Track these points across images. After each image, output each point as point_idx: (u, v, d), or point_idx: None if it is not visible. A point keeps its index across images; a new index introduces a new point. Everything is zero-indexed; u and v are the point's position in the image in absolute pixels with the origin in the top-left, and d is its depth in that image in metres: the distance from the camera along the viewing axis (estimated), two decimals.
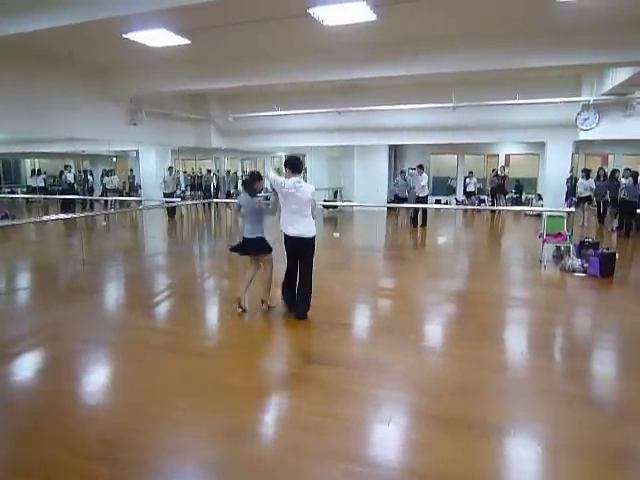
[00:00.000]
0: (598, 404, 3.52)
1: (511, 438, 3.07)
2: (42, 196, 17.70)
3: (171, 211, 14.81)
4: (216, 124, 13.42)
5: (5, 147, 17.72)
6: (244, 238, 5.43)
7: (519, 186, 19.23)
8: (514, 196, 18.64)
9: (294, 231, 5.14)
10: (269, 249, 5.47)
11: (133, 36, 6.27)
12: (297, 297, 5.30)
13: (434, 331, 5.27)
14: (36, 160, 21.66)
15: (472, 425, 3.18)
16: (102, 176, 18.26)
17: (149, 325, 5.36)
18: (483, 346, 4.56)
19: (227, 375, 3.96)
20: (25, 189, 20.92)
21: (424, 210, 12.77)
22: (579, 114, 10.43)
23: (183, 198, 15.61)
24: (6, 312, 5.94)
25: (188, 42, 6.58)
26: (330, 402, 3.52)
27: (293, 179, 5.17)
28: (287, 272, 5.43)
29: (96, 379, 4.01)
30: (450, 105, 9.90)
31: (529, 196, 18.89)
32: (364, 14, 5.48)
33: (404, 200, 12.67)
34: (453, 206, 18.56)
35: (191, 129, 13.27)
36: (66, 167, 18.96)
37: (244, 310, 5.45)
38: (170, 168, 14.54)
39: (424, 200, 12.51)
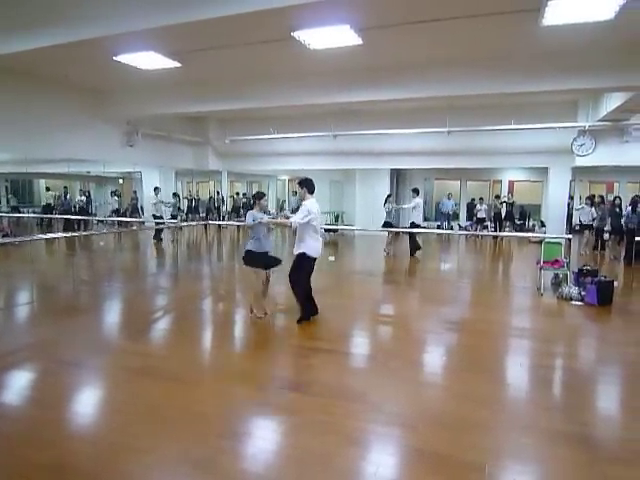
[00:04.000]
0: (584, 442, 3.32)
1: (486, 476, 2.89)
2: (41, 215, 17.85)
3: (157, 234, 14.54)
4: (214, 146, 13.51)
5: (14, 167, 17.92)
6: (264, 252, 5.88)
7: (523, 212, 19.14)
8: (517, 222, 18.50)
9: (319, 253, 5.68)
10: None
11: (124, 58, 6.33)
12: (312, 301, 5.92)
13: (420, 360, 5.06)
14: (42, 180, 21.86)
15: (448, 461, 3.01)
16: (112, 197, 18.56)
17: (129, 347, 5.24)
18: (472, 378, 4.39)
19: (198, 402, 3.82)
20: (40, 208, 21.09)
21: (411, 236, 12.36)
22: (575, 140, 10.37)
23: (183, 220, 15.55)
24: None
25: (178, 65, 6.63)
26: (300, 433, 3.37)
27: (311, 201, 5.57)
28: (300, 286, 5.72)
29: (60, 402, 3.87)
30: (444, 130, 9.88)
31: (534, 223, 18.78)
32: (349, 38, 5.49)
33: (390, 225, 12.46)
34: (454, 231, 18.39)
35: (189, 151, 13.34)
36: (64, 188, 19.16)
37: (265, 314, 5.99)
38: (156, 189, 14.37)
39: (412, 225, 12.08)
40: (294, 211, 6.09)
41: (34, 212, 19.58)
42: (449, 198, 19.59)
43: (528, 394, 4.16)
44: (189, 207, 17.19)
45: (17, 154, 12.08)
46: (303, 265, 5.64)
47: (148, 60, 6.52)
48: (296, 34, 5.27)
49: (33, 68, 7.61)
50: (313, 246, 5.60)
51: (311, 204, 5.53)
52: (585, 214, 12.60)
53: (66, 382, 4.26)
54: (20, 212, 19.50)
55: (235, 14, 4.48)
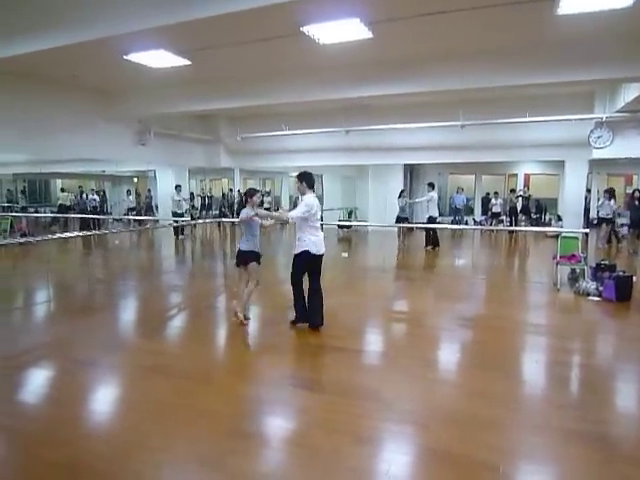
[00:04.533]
0: (600, 441, 3.24)
1: (500, 476, 2.84)
2: (56, 215, 18.13)
3: (177, 231, 14.81)
4: (225, 144, 13.51)
5: (31, 167, 18.23)
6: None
7: (540, 206, 18.87)
8: (533, 216, 18.23)
9: (322, 249, 5.37)
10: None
11: (134, 57, 6.35)
12: (311, 308, 5.42)
13: (433, 357, 5.00)
14: (58, 180, 22.20)
15: (461, 460, 2.96)
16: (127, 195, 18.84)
17: (142, 345, 5.28)
18: (486, 375, 4.32)
19: (209, 401, 3.82)
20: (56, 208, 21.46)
21: (429, 231, 12.40)
22: (592, 132, 10.15)
23: (194, 217, 15.65)
24: (7, 328, 5.95)
25: (188, 63, 6.63)
26: (311, 432, 3.36)
27: (311, 195, 5.28)
28: (299, 287, 5.45)
29: (75, 401, 3.91)
30: (458, 123, 9.75)
31: (550, 217, 18.50)
32: (359, 32, 5.42)
33: (404, 220, 12.38)
34: (466, 226, 18.12)
35: (200, 149, 13.34)
36: (79, 188, 19.48)
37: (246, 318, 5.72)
38: (177, 187, 14.56)
39: (430, 220, 12.13)
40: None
41: (51, 212, 19.91)
42: (459, 192, 19.38)
43: (543, 392, 4.08)
44: (202, 204, 17.32)
45: (29, 155, 12.32)
46: (301, 264, 5.37)
47: (158, 59, 6.53)
48: (305, 29, 5.22)
49: (41, 69, 7.67)
50: (314, 242, 5.30)
51: (310, 199, 5.24)
52: (605, 208, 12.34)
53: (80, 380, 4.30)
54: (33, 211, 19.80)
55: (243, 10, 4.45)
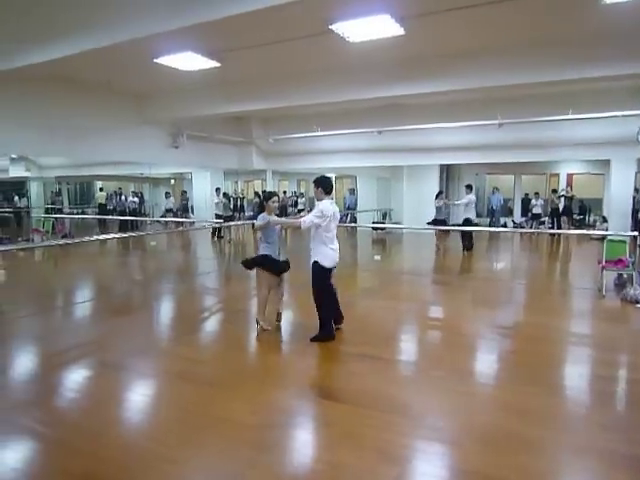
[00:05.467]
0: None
1: None
2: (94, 216, 18.67)
3: (216, 233, 15.09)
4: (258, 146, 13.50)
5: (74, 170, 18.80)
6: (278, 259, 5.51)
7: (583, 207, 18.12)
8: (577, 218, 17.50)
9: (336, 261, 5.19)
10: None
11: (164, 60, 6.37)
12: (338, 312, 5.42)
13: (468, 369, 4.70)
14: (98, 182, 22.81)
15: None
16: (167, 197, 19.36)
17: (172, 350, 5.24)
18: (524, 389, 4.06)
19: (232, 410, 3.73)
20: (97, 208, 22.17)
21: (465, 233, 12.06)
22: None
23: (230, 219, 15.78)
24: (38, 328, 6.08)
25: (217, 65, 6.59)
26: (335, 447, 3.20)
27: (328, 201, 5.06)
28: (331, 298, 5.29)
29: (96, 408, 3.87)
30: (495, 122, 9.36)
31: (595, 218, 17.69)
32: (390, 28, 5.22)
33: (442, 222, 12.11)
34: (506, 229, 17.52)
35: (233, 151, 13.38)
36: (119, 190, 19.99)
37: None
38: (217, 189, 14.77)
39: (466, 222, 11.77)
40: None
41: (94, 213, 20.53)
42: (494, 192, 18.81)
43: (587, 409, 3.79)
44: (234, 206, 17.51)
45: (64, 158, 12.68)
46: (320, 276, 5.09)
47: (187, 61, 6.52)
48: (334, 27, 5.06)
49: (80, 75, 7.82)
50: (327, 254, 5.04)
51: (326, 205, 4.97)
52: None
53: (104, 386, 4.27)
54: (76, 213, 20.39)
55: (270, 5, 4.32)
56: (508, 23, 5.64)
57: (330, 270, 5.17)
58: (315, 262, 5.08)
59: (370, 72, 7.24)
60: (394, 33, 5.36)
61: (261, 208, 5.57)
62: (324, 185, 5.08)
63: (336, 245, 5.18)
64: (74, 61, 5.91)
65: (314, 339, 5.13)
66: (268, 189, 15.71)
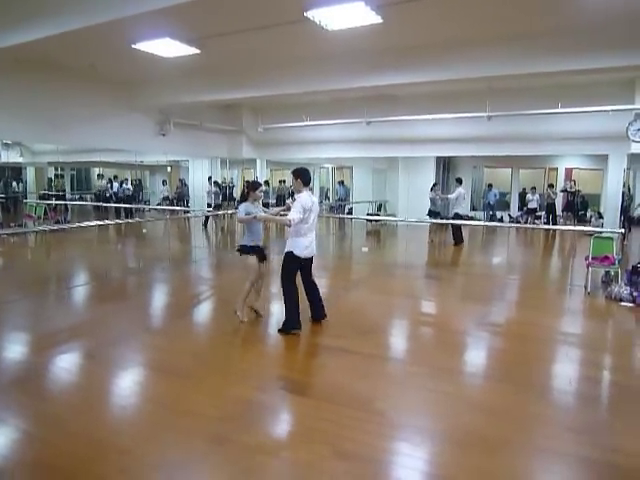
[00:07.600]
0: (612, 470, 2.89)
1: None
2: (88, 203, 18.59)
3: (204, 222, 15.07)
4: (248, 135, 13.37)
5: (65, 156, 18.67)
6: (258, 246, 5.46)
7: (584, 203, 17.93)
8: (579, 213, 17.32)
9: (312, 252, 5.20)
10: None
11: (142, 46, 6.27)
12: (313, 302, 5.37)
13: (448, 367, 4.49)
14: (96, 169, 22.70)
15: None
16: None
17: (145, 339, 5.19)
18: (501, 388, 4.02)
19: (196, 401, 3.68)
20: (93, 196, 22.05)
21: (454, 228, 11.96)
22: (630, 124, 9.33)
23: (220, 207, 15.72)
24: (22, 314, 6.03)
25: (197, 51, 6.48)
26: (290, 442, 3.20)
27: (306, 193, 5.02)
28: (289, 288, 5.17)
29: (60, 397, 3.84)
30: (484, 114, 9.21)
31: (591, 214, 17.53)
32: (367, 16, 5.10)
33: (436, 214, 12.01)
34: (498, 224, 17.34)
35: (223, 140, 13.23)
36: (114, 177, 19.90)
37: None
38: (209, 178, 14.62)
39: (456, 217, 11.67)
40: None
41: (90, 199, 20.44)
42: (490, 188, 18.63)
43: (562, 412, 3.71)
44: (223, 194, 17.35)
45: (49, 144, 12.55)
46: (289, 265, 5.13)
47: (167, 47, 6.41)
48: (310, 14, 4.95)
49: (61, 58, 7.68)
50: (302, 245, 5.05)
51: (305, 199, 4.94)
52: None
53: (71, 376, 4.26)
54: (71, 199, 20.28)
55: None
56: (492, 13, 5.52)
57: (302, 260, 5.14)
58: (289, 252, 5.08)
59: (355, 61, 7.12)
60: (372, 21, 5.24)
61: (243, 198, 5.40)
62: (303, 176, 5.04)
63: (313, 236, 5.17)
64: (51, 44, 5.84)
65: (280, 331, 5.16)
66: (261, 179, 15.61)
